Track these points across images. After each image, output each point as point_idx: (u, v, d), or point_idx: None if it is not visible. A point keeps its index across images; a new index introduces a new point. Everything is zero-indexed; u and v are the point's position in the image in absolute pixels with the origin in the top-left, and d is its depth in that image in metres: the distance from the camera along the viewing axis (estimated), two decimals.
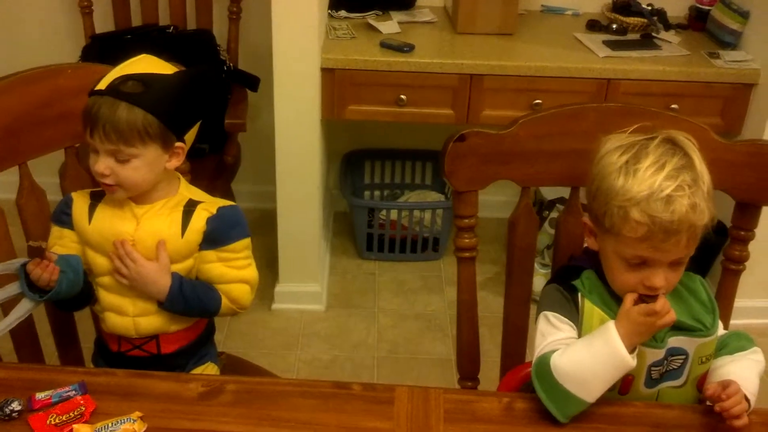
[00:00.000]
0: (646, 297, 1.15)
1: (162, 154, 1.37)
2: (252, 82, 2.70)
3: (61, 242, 1.43)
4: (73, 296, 1.41)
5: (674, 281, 1.19)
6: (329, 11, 2.68)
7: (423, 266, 2.98)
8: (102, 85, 1.33)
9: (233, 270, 1.45)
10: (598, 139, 1.25)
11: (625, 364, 1.15)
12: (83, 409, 1.15)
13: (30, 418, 1.14)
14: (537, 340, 1.25)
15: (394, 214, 2.95)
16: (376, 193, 3.23)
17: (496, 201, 2.65)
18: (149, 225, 1.40)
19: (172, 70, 1.40)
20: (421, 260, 3.00)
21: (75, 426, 1.13)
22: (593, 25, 2.71)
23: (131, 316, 1.44)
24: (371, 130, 3.11)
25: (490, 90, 2.45)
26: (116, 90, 1.32)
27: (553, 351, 1.19)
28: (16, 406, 1.15)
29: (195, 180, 1.72)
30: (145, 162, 1.35)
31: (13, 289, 1.36)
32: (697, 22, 2.75)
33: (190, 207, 1.42)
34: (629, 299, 1.16)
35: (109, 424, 1.13)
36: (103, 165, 1.34)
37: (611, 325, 1.16)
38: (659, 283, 1.16)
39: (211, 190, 2.46)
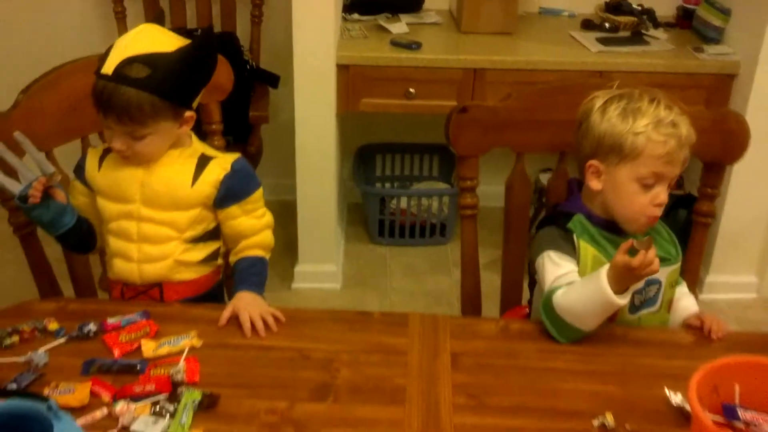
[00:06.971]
0: (634, 249, 1.31)
1: (173, 125, 1.47)
2: (273, 79, 2.93)
3: (72, 191, 1.55)
4: (69, 233, 1.49)
5: (667, 201, 1.42)
6: (343, 14, 2.90)
7: (431, 250, 3.17)
8: (108, 68, 1.39)
9: (259, 220, 1.57)
10: (586, 98, 1.48)
11: (613, 304, 1.34)
12: (148, 329, 1.37)
13: (105, 337, 1.35)
14: (547, 276, 1.43)
15: (403, 202, 3.15)
16: (387, 184, 3.44)
17: (499, 191, 2.84)
18: (160, 170, 1.49)
19: (174, 42, 1.43)
20: (430, 245, 3.19)
21: (143, 341, 1.34)
22: (587, 24, 2.92)
23: (136, 262, 1.51)
24: (382, 126, 3.31)
25: (491, 83, 2.65)
26: (122, 75, 1.38)
27: (558, 288, 1.39)
28: (92, 327, 1.36)
29: None
30: (159, 135, 1.45)
31: (10, 183, 1.43)
32: (684, 20, 2.96)
33: (203, 160, 1.51)
34: (622, 249, 1.32)
35: (171, 340, 1.34)
36: (119, 143, 1.44)
37: (603, 270, 1.34)
38: (665, 198, 1.41)
39: None
